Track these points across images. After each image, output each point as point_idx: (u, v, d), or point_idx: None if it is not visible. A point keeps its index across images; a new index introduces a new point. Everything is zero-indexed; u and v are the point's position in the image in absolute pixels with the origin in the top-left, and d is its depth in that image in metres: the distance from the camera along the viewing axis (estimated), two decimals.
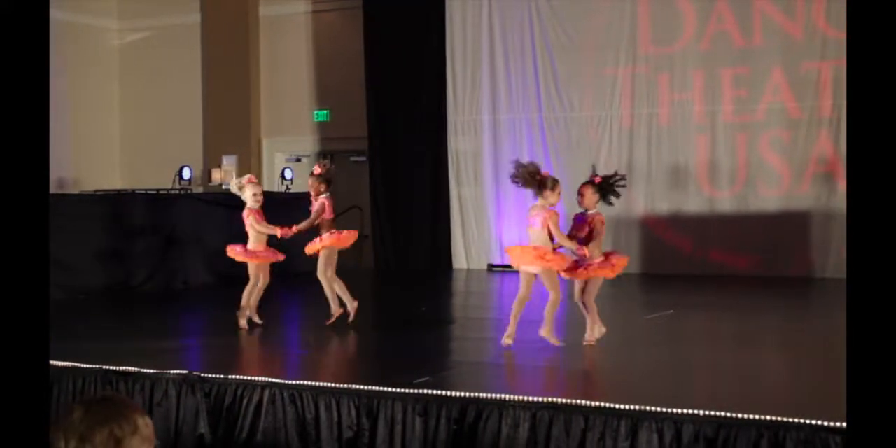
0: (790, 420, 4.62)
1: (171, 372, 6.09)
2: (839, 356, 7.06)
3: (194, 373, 6.04)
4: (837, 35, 12.06)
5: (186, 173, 14.45)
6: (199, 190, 15.71)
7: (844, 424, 4.48)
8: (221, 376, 5.97)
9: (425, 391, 5.41)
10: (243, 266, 8.60)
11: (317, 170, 8.64)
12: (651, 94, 13.17)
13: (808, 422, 4.57)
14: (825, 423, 4.53)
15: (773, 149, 12.56)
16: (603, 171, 12.81)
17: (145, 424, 2.80)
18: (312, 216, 8.42)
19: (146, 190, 13.18)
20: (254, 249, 8.46)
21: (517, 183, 7.17)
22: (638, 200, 13.16)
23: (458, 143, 14.24)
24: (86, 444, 2.71)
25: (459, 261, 14.17)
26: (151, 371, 6.13)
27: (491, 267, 13.81)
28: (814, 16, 12.31)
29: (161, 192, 13.11)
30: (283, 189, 14.78)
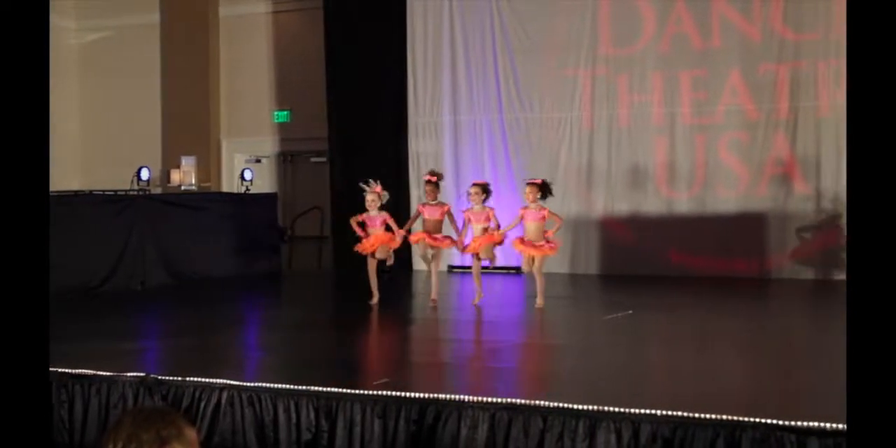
0: (746, 419, 4.66)
1: (128, 374, 6.04)
2: (795, 356, 7.15)
3: (151, 375, 6.00)
4: (794, 37, 12.22)
5: (145, 174, 14.31)
6: (158, 191, 15.59)
7: (799, 423, 4.54)
8: (179, 379, 5.93)
9: (384, 392, 5.41)
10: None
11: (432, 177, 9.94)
12: (611, 96, 13.22)
13: (763, 421, 4.61)
14: (780, 422, 4.58)
15: (730, 150, 12.66)
16: (563, 172, 13.07)
17: (190, 432, 2.92)
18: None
19: (104, 191, 13.05)
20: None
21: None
22: (597, 201, 13.23)
23: (419, 145, 14.23)
24: (132, 443, 2.83)
25: (419, 262, 14.12)
26: (108, 374, 6.08)
27: (451, 268, 13.80)
28: (771, 18, 12.42)
29: (119, 192, 13.00)
30: (242, 190, 14.69)
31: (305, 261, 15.77)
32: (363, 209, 9.69)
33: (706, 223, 12.69)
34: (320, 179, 15.44)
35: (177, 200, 13.15)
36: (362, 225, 9.82)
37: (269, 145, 16.70)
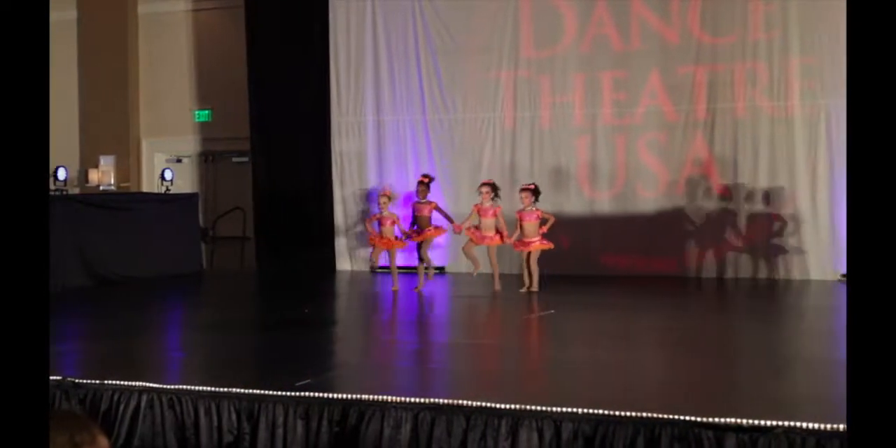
0: (665, 416, 4.74)
1: None
2: (712, 353, 7.26)
3: (69, 378, 5.90)
4: (711, 40, 12.43)
5: (62, 174, 14.06)
6: (76, 191, 15.33)
7: (716, 419, 4.62)
8: (97, 382, 5.84)
9: (307, 394, 5.39)
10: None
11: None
12: (533, 97, 13.30)
13: (681, 418, 4.69)
14: (698, 419, 4.66)
15: (650, 151, 12.81)
16: (486, 173, 13.12)
17: (103, 440, 2.90)
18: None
19: None
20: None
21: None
22: (520, 202, 13.26)
23: (342, 145, 14.16)
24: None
25: (343, 263, 14.10)
26: None
27: (374, 269, 13.76)
28: (689, 21, 12.60)
29: None
30: (163, 190, 14.51)
31: (227, 261, 15.63)
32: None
33: (628, 223, 12.83)
34: (242, 179, 15.31)
35: (96, 201, 12.92)
36: (375, 225, 11.13)
37: (190, 145, 16.51)
